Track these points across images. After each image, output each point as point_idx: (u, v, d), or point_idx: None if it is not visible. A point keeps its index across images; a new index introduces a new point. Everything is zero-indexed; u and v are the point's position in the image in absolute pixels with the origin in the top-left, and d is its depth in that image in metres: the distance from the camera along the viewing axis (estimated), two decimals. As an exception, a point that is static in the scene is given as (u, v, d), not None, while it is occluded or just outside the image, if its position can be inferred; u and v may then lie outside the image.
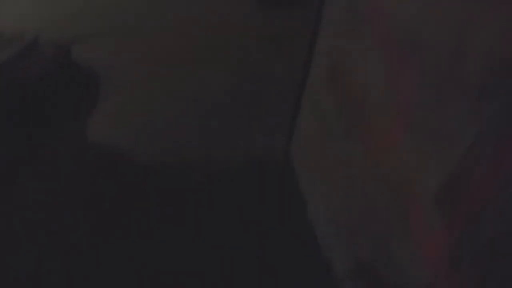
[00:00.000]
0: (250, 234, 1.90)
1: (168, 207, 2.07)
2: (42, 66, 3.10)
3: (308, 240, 1.82)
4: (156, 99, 3.09)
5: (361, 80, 1.27)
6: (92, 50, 3.92)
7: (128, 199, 2.12)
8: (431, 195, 0.92)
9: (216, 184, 2.20)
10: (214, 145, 2.52)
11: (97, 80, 3.38)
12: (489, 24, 0.71)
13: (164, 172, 2.31)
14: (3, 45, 3.15)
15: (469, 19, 0.77)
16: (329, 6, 1.48)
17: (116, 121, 2.86)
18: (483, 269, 0.74)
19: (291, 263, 1.74)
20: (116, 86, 3.30)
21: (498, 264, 0.70)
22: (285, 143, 2.33)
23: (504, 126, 0.69)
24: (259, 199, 2.07)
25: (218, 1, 4.99)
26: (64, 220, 2.03)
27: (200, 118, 2.80)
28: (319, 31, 1.59)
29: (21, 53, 3.06)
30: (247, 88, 3.19)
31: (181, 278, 1.74)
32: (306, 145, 1.89)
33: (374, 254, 1.22)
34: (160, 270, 1.78)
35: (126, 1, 5.52)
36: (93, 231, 1.95)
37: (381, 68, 1.15)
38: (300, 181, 2.03)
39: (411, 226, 1.00)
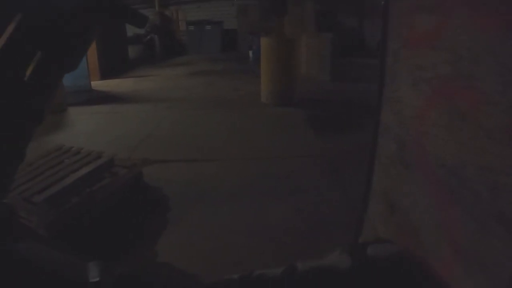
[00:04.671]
0: None
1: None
2: (115, 185, 3.41)
3: None
4: (227, 226, 3.17)
5: (415, 215, 1.44)
6: (163, 172, 4.22)
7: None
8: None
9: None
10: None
11: (167, 203, 3.59)
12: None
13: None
14: (81, 161, 3.48)
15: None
16: (381, 148, 1.73)
17: (184, 247, 2.93)
18: None
19: None
20: (186, 210, 3.47)
21: None
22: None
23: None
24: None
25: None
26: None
27: (264, 252, 2.86)
28: (374, 169, 1.81)
29: (98, 171, 3.38)
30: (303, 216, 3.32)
31: None
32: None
33: None
34: None
35: (197, 125, 6.00)
36: None
37: (432, 205, 1.33)
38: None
39: None
